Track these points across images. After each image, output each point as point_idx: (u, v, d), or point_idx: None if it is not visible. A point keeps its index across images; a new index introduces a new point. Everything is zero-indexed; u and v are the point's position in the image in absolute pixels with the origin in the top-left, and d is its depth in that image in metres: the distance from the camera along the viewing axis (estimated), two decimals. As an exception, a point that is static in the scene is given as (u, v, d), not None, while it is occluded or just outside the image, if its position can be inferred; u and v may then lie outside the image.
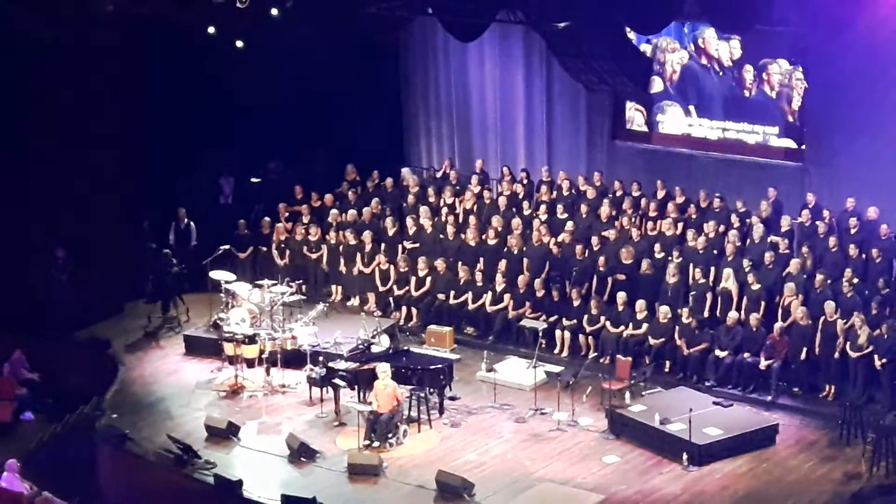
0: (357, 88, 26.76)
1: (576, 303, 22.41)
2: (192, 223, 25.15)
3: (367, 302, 24.18)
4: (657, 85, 25.10)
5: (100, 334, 23.41)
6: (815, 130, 23.52)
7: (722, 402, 20.13)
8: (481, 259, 23.72)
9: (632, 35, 24.00)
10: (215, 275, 23.05)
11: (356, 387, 20.34)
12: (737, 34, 23.68)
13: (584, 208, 24.05)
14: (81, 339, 23.29)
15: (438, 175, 26.71)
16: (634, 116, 25.66)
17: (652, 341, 21.54)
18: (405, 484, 18.47)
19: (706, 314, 21.71)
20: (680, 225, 23.21)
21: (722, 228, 22.76)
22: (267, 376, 21.55)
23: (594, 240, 23.20)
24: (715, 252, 22.44)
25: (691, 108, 24.95)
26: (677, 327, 21.41)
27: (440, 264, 23.65)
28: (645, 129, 25.55)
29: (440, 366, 20.58)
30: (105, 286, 24.00)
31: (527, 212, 24.58)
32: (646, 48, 24.84)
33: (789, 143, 23.93)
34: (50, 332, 22.92)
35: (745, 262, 21.70)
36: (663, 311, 21.55)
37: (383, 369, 19.61)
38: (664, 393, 20.69)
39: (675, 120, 25.21)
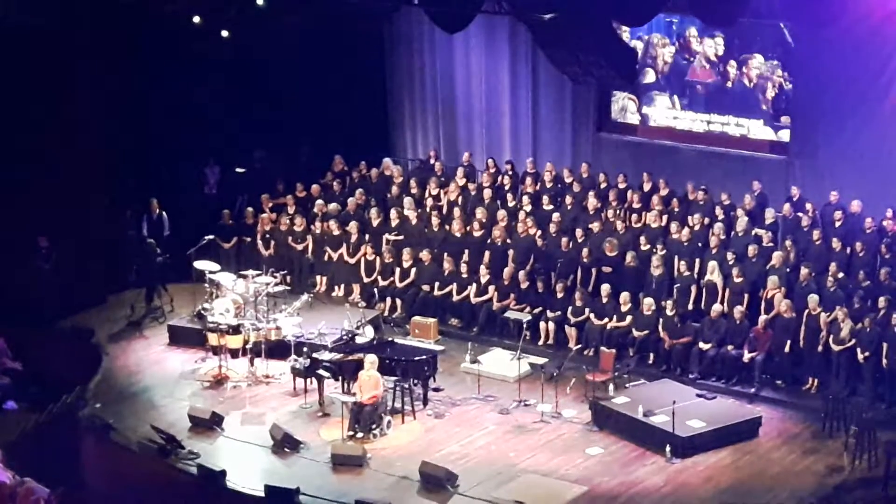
0: (342, 79, 26.70)
1: (560, 295, 22.42)
2: (164, 213, 24.99)
3: (352, 293, 24.15)
4: (650, 76, 25.12)
5: (83, 324, 23.34)
6: (799, 124, 23.55)
7: (705, 395, 20.17)
8: (466, 251, 23.72)
9: (626, 34, 24.00)
10: (199, 265, 23.00)
11: (340, 377, 20.34)
12: (721, 28, 23.68)
13: (568, 200, 24.06)
14: (65, 328, 23.22)
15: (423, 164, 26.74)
16: (627, 105, 25.65)
17: (636, 333, 21.56)
18: (389, 475, 18.45)
19: (690, 307, 21.76)
20: (665, 217, 23.25)
21: (706, 221, 22.81)
22: (251, 367, 21.49)
23: (578, 232, 23.20)
24: (699, 245, 22.48)
25: (675, 98, 24.97)
26: (661, 319, 21.44)
27: (425, 255, 23.65)
28: (638, 117, 25.54)
29: (424, 357, 20.55)
30: (89, 276, 23.94)
31: (512, 203, 24.58)
32: (637, 45, 24.83)
33: (772, 135, 23.97)
34: (33, 322, 22.85)
35: (729, 255, 21.74)
36: (647, 304, 21.58)
37: (371, 360, 19.59)
38: (648, 385, 20.71)
39: (661, 112, 25.22)
